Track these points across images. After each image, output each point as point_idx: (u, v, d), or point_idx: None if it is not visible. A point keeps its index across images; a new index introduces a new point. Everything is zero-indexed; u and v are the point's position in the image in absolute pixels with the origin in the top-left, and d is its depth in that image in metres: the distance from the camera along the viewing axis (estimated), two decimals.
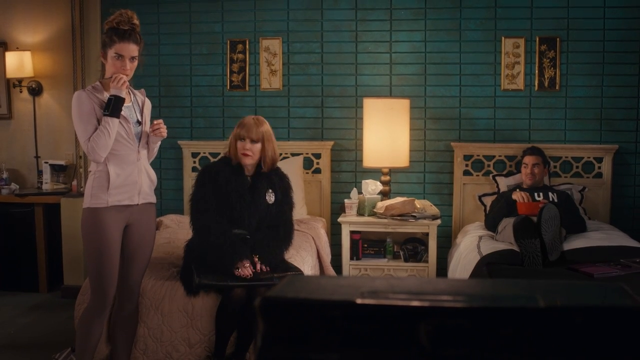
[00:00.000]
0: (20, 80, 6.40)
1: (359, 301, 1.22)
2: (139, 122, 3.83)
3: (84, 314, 3.79)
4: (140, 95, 3.97)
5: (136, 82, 6.22)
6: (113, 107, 3.60)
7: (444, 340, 1.19)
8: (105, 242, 3.69)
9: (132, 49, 3.75)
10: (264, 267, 4.00)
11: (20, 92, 6.46)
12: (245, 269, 3.92)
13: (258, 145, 4.12)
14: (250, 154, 4.10)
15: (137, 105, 3.88)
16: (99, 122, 3.64)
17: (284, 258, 4.22)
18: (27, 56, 6.30)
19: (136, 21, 3.79)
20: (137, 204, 3.80)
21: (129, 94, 3.86)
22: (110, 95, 3.62)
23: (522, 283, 1.36)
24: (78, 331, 3.80)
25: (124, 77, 3.67)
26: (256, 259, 4.00)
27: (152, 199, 3.94)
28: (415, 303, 1.20)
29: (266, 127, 4.18)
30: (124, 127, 3.71)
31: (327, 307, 1.23)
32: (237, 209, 4.03)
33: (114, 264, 3.72)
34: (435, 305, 1.20)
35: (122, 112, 3.68)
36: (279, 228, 4.17)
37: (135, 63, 3.79)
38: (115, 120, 3.62)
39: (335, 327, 1.23)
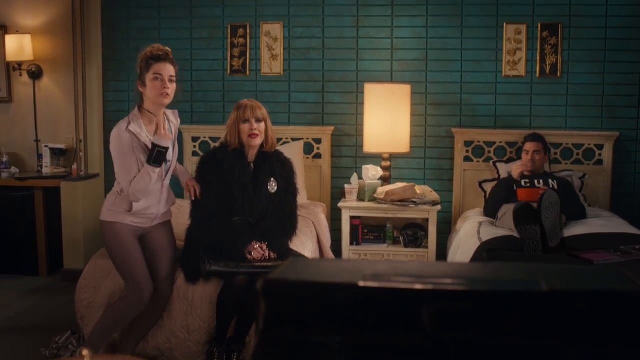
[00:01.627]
0: (20, 64, 6.37)
1: (361, 284, 1.21)
2: (168, 160, 3.96)
3: (120, 308, 3.86)
4: (173, 120, 4.10)
5: (135, 67, 6.23)
6: (158, 158, 3.75)
7: (446, 323, 1.19)
8: (128, 248, 3.87)
9: (170, 69, 3.86)
10: (271, 254, 4.01)
11: (20, 75, 6.44)
12: (257, 251, 3.96)
13: (263, 125, 4.11)
14: (258, 134, 4.08)
15: (169, 134, 3.98)
16: (140, 152, 3.79)
17: (289, 247, 4.22)
18: (27, 39, 6.27)
19: (168, 49, 3.93)
20: (150, 226, 4.01)
21: (165, 120, 3.97)
22: (157, 146, 3.74)
23: (524, 267, 1.36)
24: (106, 319, 3.86)
25: (167, 134, 3.83)
26: (264, 246, 4.00)
27: (166, 218, 4.12)
28: (418, 286, 1.20)
29: (263, 107, 4.20)
30: None
31: (330, 290, 1.23)
32: (239, 201, 4.02)
33: (141, 262, 3.88)
34: (438, 289, 1.20)
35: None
36: (285, 219, 4.16)
37: (174, 85, 3.90)
38: (159, 168, 3.79)
39: (337, 309, 1.23)
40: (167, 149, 3.80)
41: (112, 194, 3.93)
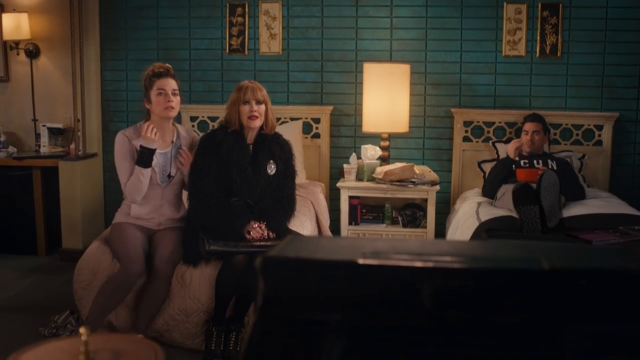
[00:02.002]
0: (17, 43, 6.33)
1: (360, 261, 1.20)
2: (170, 176, 4.20)
3: (110, 283, 3.91)
4: (185, 136, 4.31)
5: (135, 45, 6.20)
6: (142, 158, 4.02)
7: (447, 301, 1.18)
8: (125, 230, 4.07)
9: (172, 83, 4.13)
10: (270, 234, 4.01)
11: (17, 54, 6.40)
12: (255, 230, 3.98)
13: (263, 107, 4.11)
14: (258, 116, 4.08)
15: (176, 149, 4.21)
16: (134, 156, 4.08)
17: (287, 227, 4.22)
18: (24, 18, 6.22)
19: (168, 65, 4.20)
20: (158, 229, 4.19)
21: (174, 132, 4.25)
22: (141, 147, 4.02)
23: (525, 245, 1.35)
24: (99, 296, 3.89)
25: (153, 126, 4.04)
26: (263, 225, 4.01)
27: (177, 224, 4.24)
28: (418, 264, 1.19)
29: (264, 89, 4.20)
30: (151, 175, 4.10)
31: (329, 267, 1.22)
32: (237, 183, 4.03)
33: (135, 242, 3.99)
34: (438, 267, 1.19)
35: (155, 162, 4.08)
36: (283, 200, 4.17)
37: (178, 99, 4.16)
38: (147, 170, 4.05)
39: (336, 287, 1.22)
40: (153, 150, 4.03)
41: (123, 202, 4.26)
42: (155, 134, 4.04)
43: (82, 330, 1.41)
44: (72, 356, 1.41)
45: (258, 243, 3.91)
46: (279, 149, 4.20)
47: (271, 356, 1.20)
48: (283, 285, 1.23)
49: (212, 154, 4.05)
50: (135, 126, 4.21)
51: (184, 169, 4.18)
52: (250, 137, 4.15)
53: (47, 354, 1.44)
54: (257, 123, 4.10)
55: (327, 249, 1.29)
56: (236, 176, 4.02)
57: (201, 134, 4.52)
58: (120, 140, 4.13)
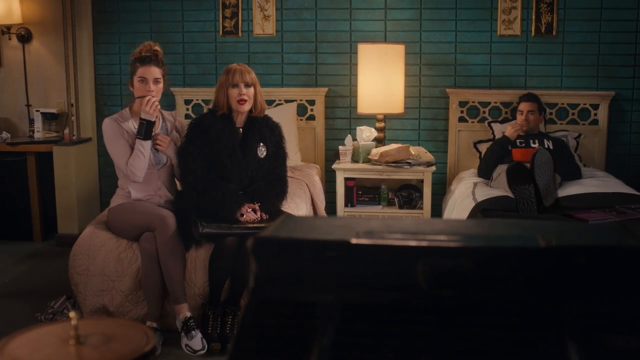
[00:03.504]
0: (9, 27, 6.27)
1: (354, 241, 1.19)
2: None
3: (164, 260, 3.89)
4: (170, 119, 4.33)
5: (128, 29, 6.15)
6: (145, 131, 4.02)
7: (441, 281, 1.17)
8: (138, 204, 4.13)
9: (154, 72, 4.10)
10: (263, 215, 4.00)
11: (9, 39, 6.34)
12: (250, 214, 3.98)
13: (252, 90, 4.10)
14: (247, 99, 4.08)
15: (164, 132, 4.23)
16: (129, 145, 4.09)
17: (280, 209, 4.22)
18: (15, 2, 6.16)
19: (157, 48, 4.18)
20: None
21: (159, 118, 4.21)
22: (142, 119, 4.02)
23: (521, 223, 1.34)
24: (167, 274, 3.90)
25: (155, 100, 4.03)
26: (257, 207, 4.00)
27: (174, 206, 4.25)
28: (412, 243, 1.18)
29: (253, 72, 4.19)
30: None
31: (322, 247, 1.20)
32: (228, 167, 4.02)
33: (155, 207, 4.11)
34: (432, 245, 1.18)
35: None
36: (275, 182, 4.17)
37: (160, 86, 4.14)
38: (148, 143, 4.04)
39: (329, 267, 1.20)
40: (152, 122, 4.03)
41: (116, 191, 4.26)
42: (155, 108, 4.04)
43: (72, 314, 1.39)
44: (62, 340, 1.40)
45: (252, 225, 3.91)
46: (269, 131, 4.21)
47: (264, 338, 1.19)
48: (275, 266, 1.22)
49: (201, 138, 4.05)
50: (120, 112, 4.22)
51: (162, 149, 4.15)
52: (240, 120, 4.15)
53: (37, 339, 1.43)
54: (246, 107, 4.10)
55: (320, 229, 1.28)
56: (226, 160, 4.02)
57: (190, 119, 4.52)
58: (109, 125, 4.14)
